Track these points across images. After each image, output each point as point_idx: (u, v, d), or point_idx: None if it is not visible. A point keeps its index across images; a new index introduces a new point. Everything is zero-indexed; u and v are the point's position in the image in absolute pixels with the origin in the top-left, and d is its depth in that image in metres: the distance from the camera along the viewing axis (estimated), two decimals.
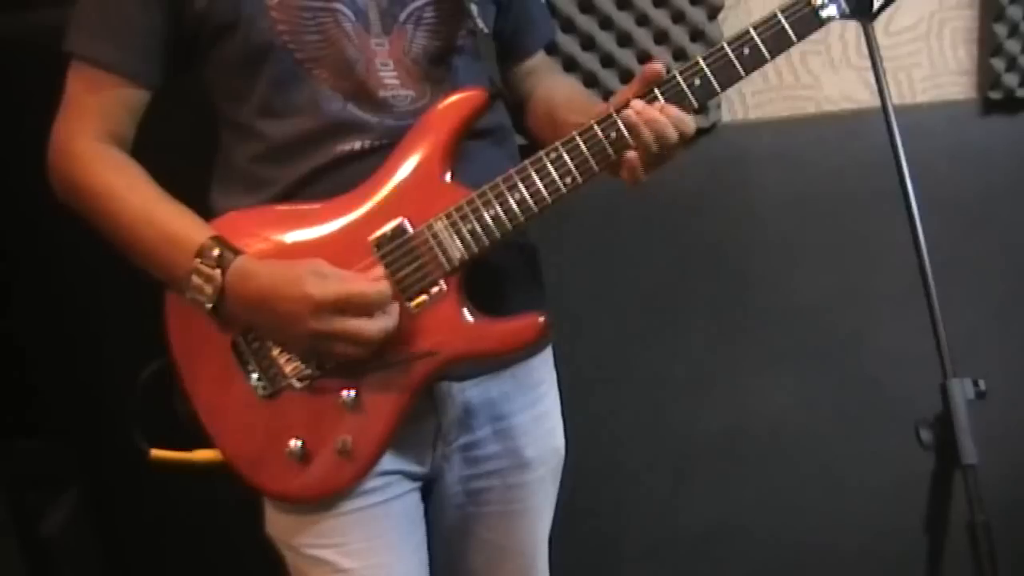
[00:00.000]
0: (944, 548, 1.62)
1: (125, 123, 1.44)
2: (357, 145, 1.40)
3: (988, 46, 2.33)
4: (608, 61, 2.19)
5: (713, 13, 2.20)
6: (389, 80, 1.41)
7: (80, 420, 2.20)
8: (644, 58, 2.20)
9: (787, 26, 1.36)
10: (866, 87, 2.30)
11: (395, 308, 1.34)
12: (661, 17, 2.19)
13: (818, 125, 2.33)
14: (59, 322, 2.19)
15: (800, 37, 1.38)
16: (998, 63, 2.32)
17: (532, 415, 1.62)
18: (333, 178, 1.40)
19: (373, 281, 1.33)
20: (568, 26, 2.15)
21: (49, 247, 2.15)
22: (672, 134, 1.34)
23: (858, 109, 2.32)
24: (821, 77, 2.31)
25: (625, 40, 2.19)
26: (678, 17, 2.20)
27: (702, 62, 1.36)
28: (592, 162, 1.36)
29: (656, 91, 1.36)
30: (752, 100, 2.32)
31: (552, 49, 1.90)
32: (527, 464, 1.62)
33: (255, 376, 1.42)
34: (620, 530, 2.51)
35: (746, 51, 1.36)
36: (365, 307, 1.30)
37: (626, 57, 2.18)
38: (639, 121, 1.34)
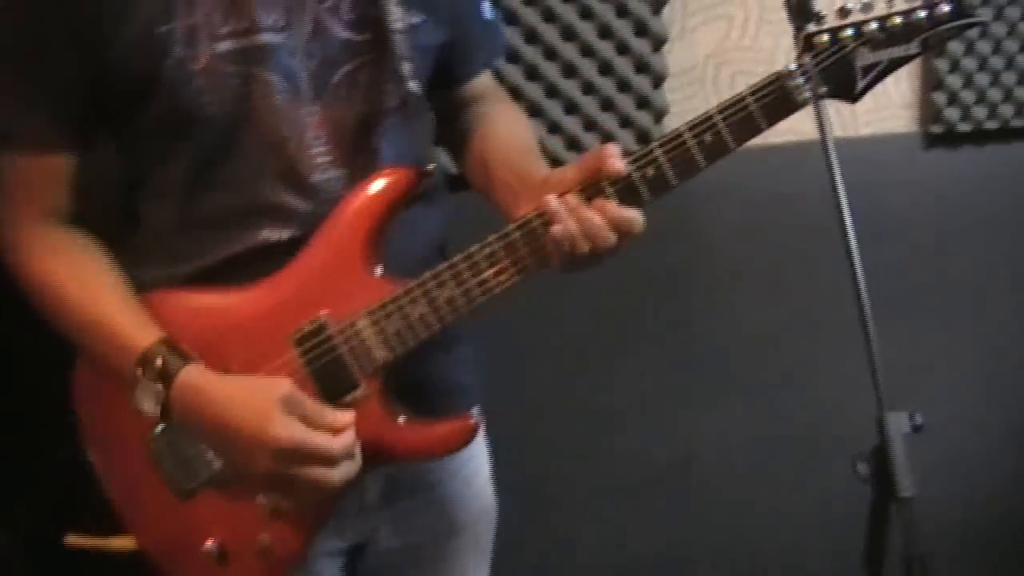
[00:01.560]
0: None
1: (61, 195, 1.30)
2: (285, 235, 1.29)
3: (929, 81, 2.36)
4: (552, 92, 2.19)
5: (657, 46, 2.21)
6: (320, 158, 1.30)
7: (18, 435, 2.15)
8: (587, 89, 2.20)
9: (755, 111, 1.20)
10: (811, 119, 2.31)
11: (358, 453, 1.24)
12: (606, 48, 2.20)
13: (763, 157, 2.33)
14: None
15: (772, 123, 1.21)
16: (939, 97, 2.36)
17: (462, 478, 1.54)
18: (256, 267, 1.29)
19: (340, 432, 1.21)
20: (513, 57, 2.15)
21: None
22: (610, 241, 1.21)
23: (802, 141, 2.33)
24: None
25: (569, 71, 2.19)
26: (623, 49, 2.21)
27: (657, 150, 1.21)
28: (528, 260, 1.24)
29: (604, 183, 1.23)
30: None
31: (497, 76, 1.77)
32: (459, 529, 1.55)
33: (170, 473, 1.31)
34: (569, 558, 2.49)
35: (708, 138, 1.20)
36: (328, 461, 1.20)
37: (570, 88, 2.19)
38: (577, 233, 1.21)
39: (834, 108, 2.28)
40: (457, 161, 1.54)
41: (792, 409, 2.47)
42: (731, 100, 1.21)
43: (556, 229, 1.21)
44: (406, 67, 1.30)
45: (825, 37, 1.21)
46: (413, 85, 1.31)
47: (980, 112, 2.39)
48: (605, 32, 2.19)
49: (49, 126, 1.26)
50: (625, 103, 2.21)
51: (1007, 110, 2.42)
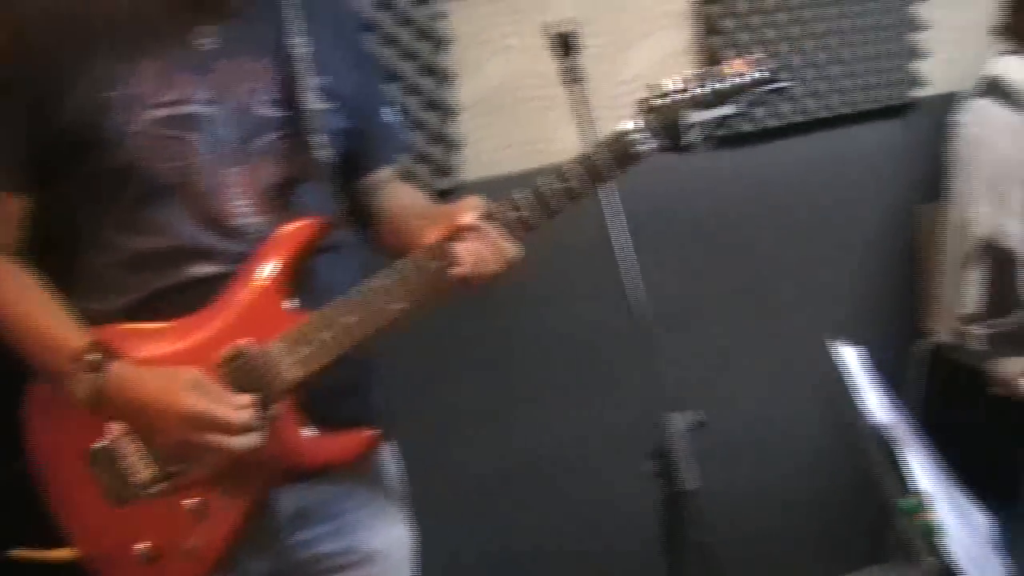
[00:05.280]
0: (682, 570, 1.70)
1: (9, 232, 1.49)
2: (209, 270, 1.47)
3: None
4: None
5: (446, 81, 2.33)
6: (242, 208, 1.48)
7: None
8: None
9: (600, 162, 1.46)
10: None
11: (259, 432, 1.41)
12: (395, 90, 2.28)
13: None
14: None
15: (621, 168, 1.47)
16: None
17: (373, 508, 1.65)
18: (182, 299, 1.46)
19: (240, 408, 1.39)
20: None
21: None
22: (494, 267, 1.44)
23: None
24: (557, 131, 2.38)
25: None
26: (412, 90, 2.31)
27: (516, 195, 1.45)
28: (419, 292, 1.45)
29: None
30: (490, 157, 2.42)
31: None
32: (372, 557, 1.64)
33: (108, 484, 1.47)
34: None
35: (557, 186, 1.46)
36: (228, 429, 1.38)
37: None
38: (466, 254, 1.42)
39: (619, 123, 2.42)
40: (370, 227, 1.72)
41: (588, 413, 2.59)
42: (579, 155, 1.47)
43: (467, 264, 1.43)
44: (319, 140, 1.50)
45: (657, 102, 1.48)
46: (324, 155, 1.52)
47: None
48: (392, 75, 2.28)
49: (7, 175, 1.47)
50: (419, 139, 2.33)
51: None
